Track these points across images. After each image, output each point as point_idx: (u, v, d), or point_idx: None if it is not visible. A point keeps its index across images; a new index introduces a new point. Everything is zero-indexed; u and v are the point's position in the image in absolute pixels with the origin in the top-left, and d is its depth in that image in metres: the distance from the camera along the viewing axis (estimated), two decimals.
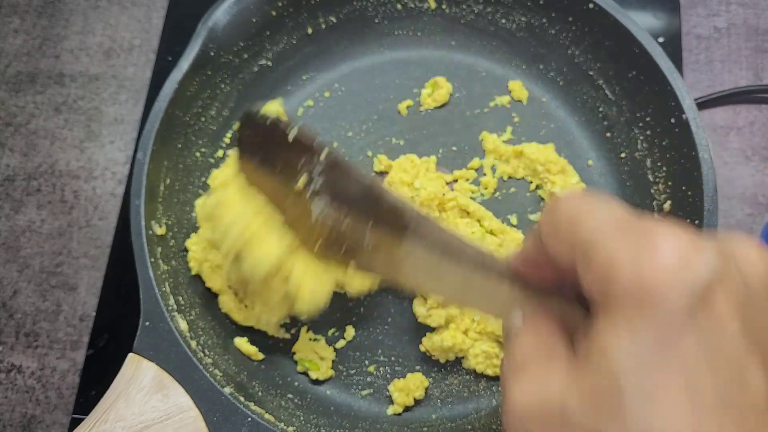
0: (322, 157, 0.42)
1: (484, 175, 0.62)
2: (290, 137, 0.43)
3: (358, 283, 0.49)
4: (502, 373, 0.31)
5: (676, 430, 0.23)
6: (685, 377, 0.23)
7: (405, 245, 0.38)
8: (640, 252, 0.24)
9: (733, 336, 0.24)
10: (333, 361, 0.56)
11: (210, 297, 0.57)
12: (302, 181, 0.43)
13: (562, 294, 0.32)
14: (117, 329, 0.62)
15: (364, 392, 0.56)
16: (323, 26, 0.64)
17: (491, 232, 0.57)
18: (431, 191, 0.56)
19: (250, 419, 0.47)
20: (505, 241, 0.57)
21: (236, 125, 0.61)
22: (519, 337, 0.31)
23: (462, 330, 0.54)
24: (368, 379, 0.56)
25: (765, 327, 0.25)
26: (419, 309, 0.55)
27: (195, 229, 0.59)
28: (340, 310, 0.58)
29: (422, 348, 0.55)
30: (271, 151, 0.45)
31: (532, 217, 0.61)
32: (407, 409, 0.55)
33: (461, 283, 0.36)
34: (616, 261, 0.24)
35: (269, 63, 0.63)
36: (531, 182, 0.61)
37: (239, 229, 0.47)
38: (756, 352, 0.24)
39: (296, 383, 0.56)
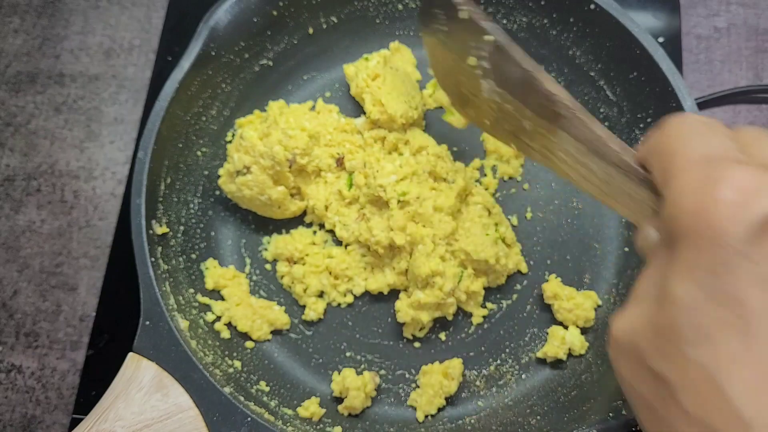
0: (488, 39, 0.43)
1: (485, 175, 0.62)
2: (461, 15, 0.44)
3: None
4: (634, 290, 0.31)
5: (733, 375, 0.23)
6: (739, 314, 0.23)
7: (558, 135, 0.40)
8: (703, 185, 0.24)
9: None
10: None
11: (210, 295, 0.57)
12: (471, 60, 0.44)
13: None
14: (117, 329, 0.62)
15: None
16: (324, 26, 0.64)
17: (503, 239, 0.57)
18: (462, 184, 0.56)
19: (249, 419, 0.47)
20: (510, 254, 0.57)
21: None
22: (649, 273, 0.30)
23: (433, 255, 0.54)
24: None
25: None
26: (399, 304, 0.56)
27: (197, 228, 0.59)
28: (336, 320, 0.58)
29: (400, 317, 0.55)
30: (445, 27, 0.47)
31: (529, 216, 0.61)
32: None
33: (606, 180, 0.37)
34: (683, 192, 0.25)
35: (270, 63, 0.63)
36: None
37: None
38: None
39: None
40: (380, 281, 0.57)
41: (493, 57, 0.43)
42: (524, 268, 0.59)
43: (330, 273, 0.58)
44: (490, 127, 0.47)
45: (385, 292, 0.57)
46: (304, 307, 0.58)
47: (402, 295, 0.56)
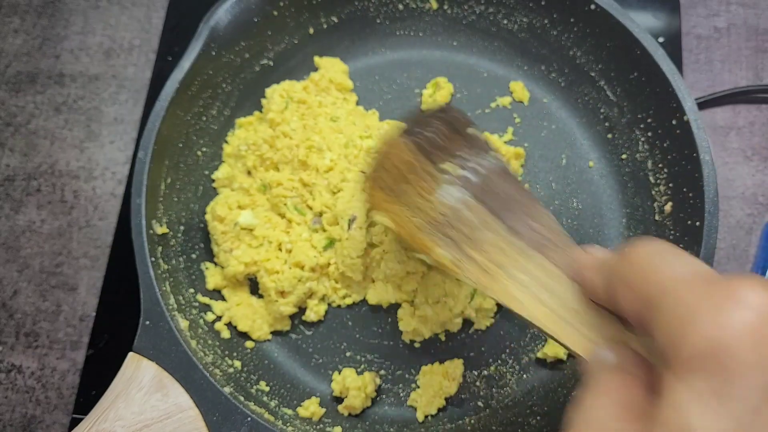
0: (493, 156, 0.44)
1: None
2: (469, 131, 0.46)
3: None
4: (575, 419, 0.26)
5: None
6: None
7: (527, 257, 0.38)
8: (719, 307, 0.20)
9: None
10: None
11: (210, 295, 0.57)
12: (449, 167, 0.44)
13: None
14: (117, 329, 0.62)
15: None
16: (325, 26, 0.64)
17: None
18: None
19: (249, 419, 0.47)
20: None
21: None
22: (601, 394, 0.26)
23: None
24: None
25: None
26: (401, 312, 0.56)
27: (197, 228, 0.59)
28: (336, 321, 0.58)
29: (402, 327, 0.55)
30: (433, 135, 0.46)
31: None
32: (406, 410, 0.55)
33: (568, 305, 0.34)
34: (691, 315, 0.21)
35: (271, 62, 0.63)
36: None
37: None
38: None
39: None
40: (381, 296, 0.56)
41: (492, 173, 0.43)
42: None
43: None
44: (417, 228, 0.44)
45: (384, 306, 0.57)
46: (305, 308, 0.58)
47: (404, 305, 0.56)
